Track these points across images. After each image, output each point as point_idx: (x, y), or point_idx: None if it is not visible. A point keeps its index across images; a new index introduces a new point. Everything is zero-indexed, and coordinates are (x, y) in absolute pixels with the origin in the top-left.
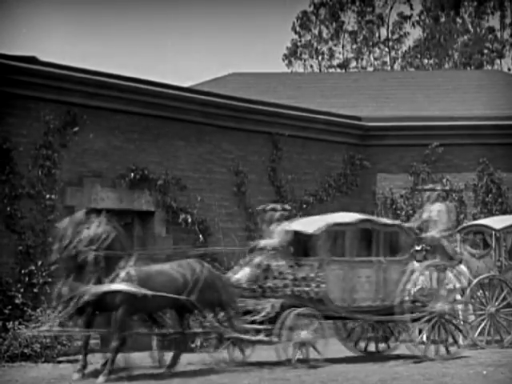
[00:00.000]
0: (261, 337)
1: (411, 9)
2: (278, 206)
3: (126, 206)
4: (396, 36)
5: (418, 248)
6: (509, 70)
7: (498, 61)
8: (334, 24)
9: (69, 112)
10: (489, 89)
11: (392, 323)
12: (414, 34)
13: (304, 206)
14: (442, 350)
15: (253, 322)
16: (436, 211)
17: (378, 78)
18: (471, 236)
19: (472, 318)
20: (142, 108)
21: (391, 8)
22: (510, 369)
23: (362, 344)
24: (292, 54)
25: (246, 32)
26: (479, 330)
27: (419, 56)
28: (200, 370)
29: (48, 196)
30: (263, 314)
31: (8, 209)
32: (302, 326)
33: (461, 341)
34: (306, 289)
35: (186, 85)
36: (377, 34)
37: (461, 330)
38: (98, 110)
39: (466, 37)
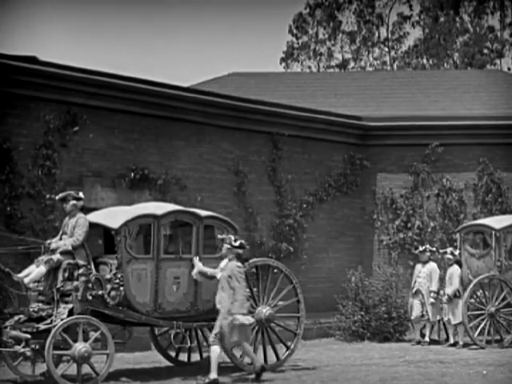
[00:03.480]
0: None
1: (411, 9)
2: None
3: None
4: (396, 36)
5: (421, 249)
6: (509, 69)
7: (497, 60)
8: (332, 24)
9: (69, 112)
10: (489, 89)
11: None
12: (414, 33)
13: (304, 205)
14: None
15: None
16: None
17: (378, 77)
18: (471, 236)
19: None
20: (142, 108)
21: (391, 9)
22: (509, 369)
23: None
24: (288, 57)
25: (246, 33)
26: (479, 329)
27: (419, 56)
28: None
29: (48, 196)
30: (48, 321)
31: (8, 209)
32: (83, 337)
33: (460, 340)
34: (100, 292)
35: (186, 85)
36: (376, 35)
37: (295, 333)
38: (98, 110)
39: (465, 37)
